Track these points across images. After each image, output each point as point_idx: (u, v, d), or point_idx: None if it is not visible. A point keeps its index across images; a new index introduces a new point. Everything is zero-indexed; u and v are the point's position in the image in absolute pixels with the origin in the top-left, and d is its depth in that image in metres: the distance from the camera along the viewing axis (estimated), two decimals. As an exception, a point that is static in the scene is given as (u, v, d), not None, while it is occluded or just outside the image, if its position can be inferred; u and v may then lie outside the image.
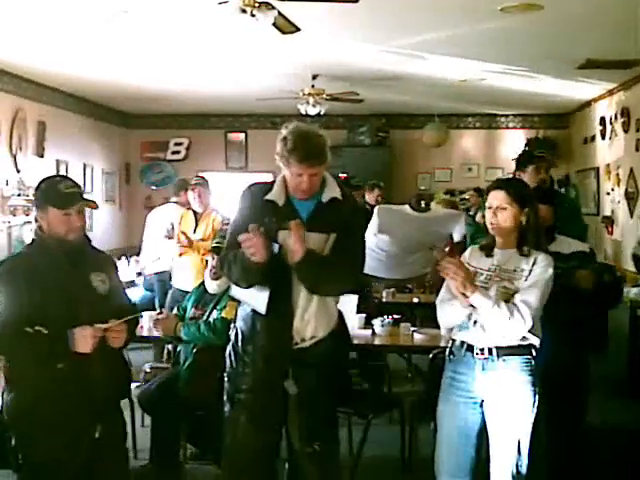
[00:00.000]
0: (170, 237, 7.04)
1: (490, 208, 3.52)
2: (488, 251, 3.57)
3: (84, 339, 3.20)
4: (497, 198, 3.50)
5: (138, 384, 5.39)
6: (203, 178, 7.11)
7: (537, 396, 3.46)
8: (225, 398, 3.61)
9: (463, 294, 3.36)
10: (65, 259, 3.34)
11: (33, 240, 3.44)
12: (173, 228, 7.02)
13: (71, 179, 3.48)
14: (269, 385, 3.49)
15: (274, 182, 3.53)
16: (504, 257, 3.50)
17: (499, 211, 3.48)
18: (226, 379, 3.62)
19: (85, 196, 3.44)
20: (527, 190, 3.69)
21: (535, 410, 3.46)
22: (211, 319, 4.83)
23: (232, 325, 3.68)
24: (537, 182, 4.63)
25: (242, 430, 3.52)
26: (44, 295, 3.24)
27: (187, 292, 6.60)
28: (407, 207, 5.62)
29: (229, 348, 3.62)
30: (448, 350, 3.64)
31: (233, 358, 3.58)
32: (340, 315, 3.81)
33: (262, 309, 3.43)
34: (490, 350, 3.43)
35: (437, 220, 5.39)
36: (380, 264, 5.82)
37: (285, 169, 3.43)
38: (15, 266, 3.38)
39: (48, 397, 3.25)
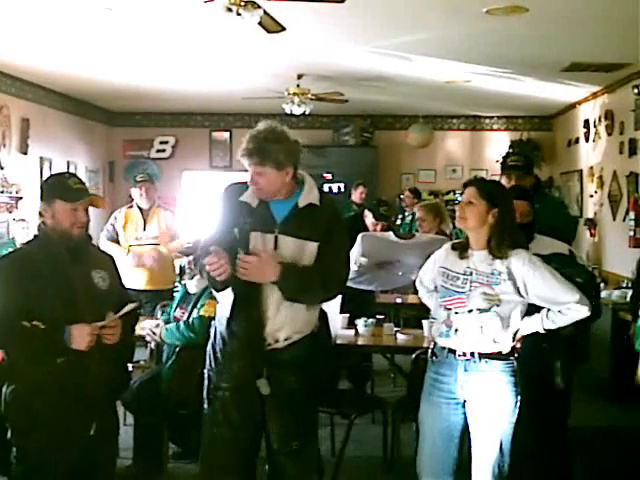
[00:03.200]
0: (115, 240, 6.90)
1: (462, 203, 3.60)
2: (462, 251, 3.58)
3: (80, 336, 3.22)
4: (467, 193, 3.57)
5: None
6: (149, 175, 7.24)
7: (519, 397, 3.48)
8: (204, 396, 3.61)
9: None
10: (67, 255, 3.35)
11: (35, 236, 3.45)
12: (114, 228, 6.96)
13: (78, 177, 3.52)
14: (245, 384, 3.47)
15: None
16: (478, 258, 3.52)
17: (467, 205, 3.54)
18: (205, 377, 3.61)
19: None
20: (500, 190, 3.71)
21: (517, 411, 3.49)
22: (191, 318, 4.84)
23: (212, 323, 3.68)
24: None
25: (220, 428, 3.51)
26: (44, 290, 3.25)
27: (142, 291, 6.60)
28: (391, 234, 5.65)
29: (209, 346, 3.61)
30: (430, 351, 3.65)
31: (212, 356, 3.57)
32: (324, 316, 3.79)
33: (226, 314, 3.44)
34: (472, 353, 3.47)
35: (421, 246, 5.41)
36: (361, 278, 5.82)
37: None
38: (15, 261, 3.40)
39: (46, 391, 3.26)
